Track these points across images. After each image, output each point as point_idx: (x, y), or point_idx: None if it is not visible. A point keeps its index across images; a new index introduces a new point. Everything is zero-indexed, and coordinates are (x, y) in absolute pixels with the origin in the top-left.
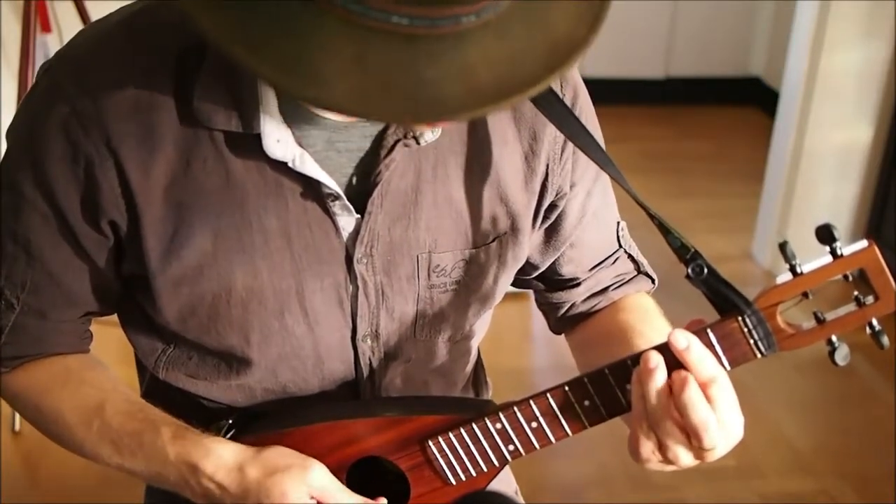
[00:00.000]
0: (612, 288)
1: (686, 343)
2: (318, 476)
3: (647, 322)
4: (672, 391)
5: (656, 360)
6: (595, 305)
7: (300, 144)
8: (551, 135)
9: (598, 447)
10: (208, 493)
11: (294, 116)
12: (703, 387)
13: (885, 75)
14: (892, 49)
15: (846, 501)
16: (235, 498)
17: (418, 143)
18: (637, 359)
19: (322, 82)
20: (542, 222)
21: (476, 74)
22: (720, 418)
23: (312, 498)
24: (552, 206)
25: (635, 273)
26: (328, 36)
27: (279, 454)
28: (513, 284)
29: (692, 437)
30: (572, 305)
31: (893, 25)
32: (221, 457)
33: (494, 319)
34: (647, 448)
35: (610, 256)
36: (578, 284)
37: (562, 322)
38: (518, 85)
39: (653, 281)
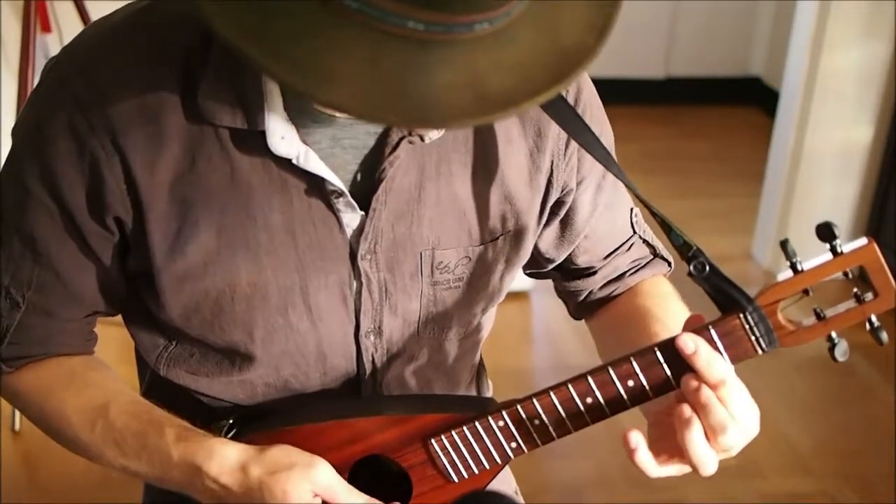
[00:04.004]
0: (628, 273)
1: (694, 347)
2: (323, 474)
3: (664, 307)
4: (686, 398)
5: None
6: (612, 291)
7: (305, 142)
8: (556, 131)
9: (598, 447)
10: (214, 495)
11: (299, 114)
12: (714, 388)
13: (885, 75)
14: (892, 49)
15: (846, 501)
16: (239, 498)
17: (423, 140)
18: (639, 354)
19: (333, 83)
20: (550, 218)
21: (486, 82)
22: (735, 417)
23: (317, 496)
24: (559, 203)
25: (651, 257)
26: (344, 37)
27: (283, 453)
28: (530, 276)
29: (710, 439)
30: (590, 293)
31: (893, 25)
32: (225, 458)
33: (494, 319)
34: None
35: (625, 243)
36: (594, 273)
37: (581, 308)
38: (526, 93)
39: (669, 264)
